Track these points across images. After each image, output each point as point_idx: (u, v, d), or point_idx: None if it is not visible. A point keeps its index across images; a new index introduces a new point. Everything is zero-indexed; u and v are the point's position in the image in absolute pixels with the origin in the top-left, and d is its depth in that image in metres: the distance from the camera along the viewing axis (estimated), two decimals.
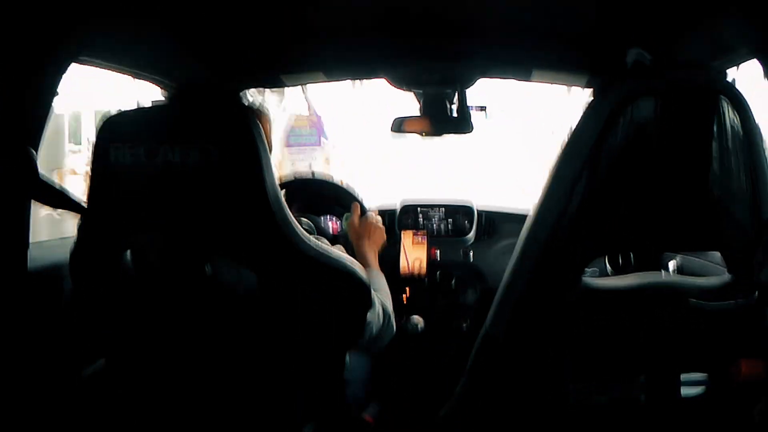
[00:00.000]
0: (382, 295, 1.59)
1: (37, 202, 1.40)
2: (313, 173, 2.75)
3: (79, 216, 1.26)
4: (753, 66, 1.44)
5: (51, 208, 1.40)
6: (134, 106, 1.14)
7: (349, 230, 2.08)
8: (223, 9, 1.63)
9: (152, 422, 1.34)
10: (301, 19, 1.76)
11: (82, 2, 1.31)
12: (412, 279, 2.65)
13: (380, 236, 2.11)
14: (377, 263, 1.94)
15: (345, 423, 1.50)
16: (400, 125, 2.31)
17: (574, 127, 1.08)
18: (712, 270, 1.93)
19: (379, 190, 2.80)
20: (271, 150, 1.37)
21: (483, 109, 2.36)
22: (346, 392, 1.56)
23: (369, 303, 1.32)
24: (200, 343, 1.21)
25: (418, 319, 2.49)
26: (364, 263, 1.90)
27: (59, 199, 1.37)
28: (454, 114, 2.30)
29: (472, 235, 2.84)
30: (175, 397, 1.28)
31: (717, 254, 1.34)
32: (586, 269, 1.15)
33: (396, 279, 2.74)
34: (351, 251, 1.79)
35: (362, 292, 1.28)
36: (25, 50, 1.30)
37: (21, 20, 1.25)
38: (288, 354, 1.21)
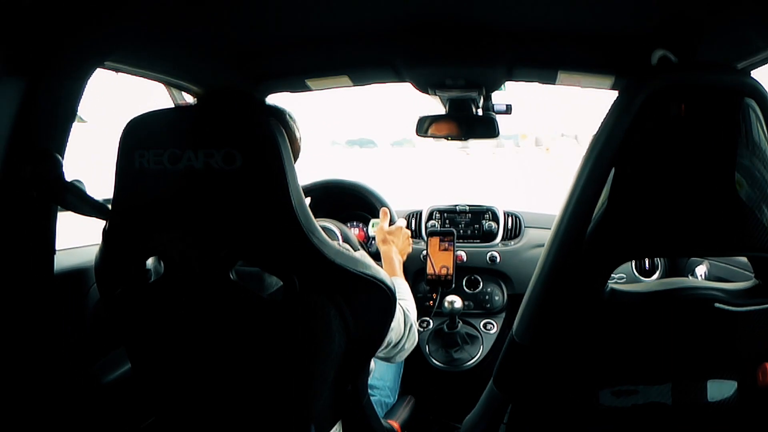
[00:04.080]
0: (406, 304, 1.60)
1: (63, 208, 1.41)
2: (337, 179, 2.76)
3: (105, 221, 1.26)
4: None
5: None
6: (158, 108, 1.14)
7: (377, 234, 2.09)
8: (248, 14, 1.63)
9: (173, 424, 1.35)
10: (326, 23, 1.76)
11: (107, 7, 1.32)
12: (438, 284, 2.64)
13: (407, 245, 2.14)
14: (402, 271, 1.95)
15: (371, 429, 1.49)
16: (426, 129, 2.31)
17: (600, 128, 1.06)
18: (740, 275, 1.91)
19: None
20: (297, 156, 1.37)
21: (507, 110, 2.35)
22: (373, 398, 1.55)
23: (393, 311, 1.31)
24: (224, 349, 1.20)
25: (454, 298, 2.47)
26: (390, 270, 1.91)
27: (85, 204, 1.38)
28: (480, 118, 2.30)
29: (498, 239, 2.83)
30: (198, 400, 1.28)
31: (744, 259, 1.32)
32: (613, 275, 1.13)
33: (423, 284, 2.74)
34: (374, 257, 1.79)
35: (388, 300, 1.28)
36: (51, 55, 1.31)
37: (46, 25, 1.26)
38: (311, 361, 1.21)
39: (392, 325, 1.38)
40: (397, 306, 1.45)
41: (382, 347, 1.43)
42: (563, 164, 27.64)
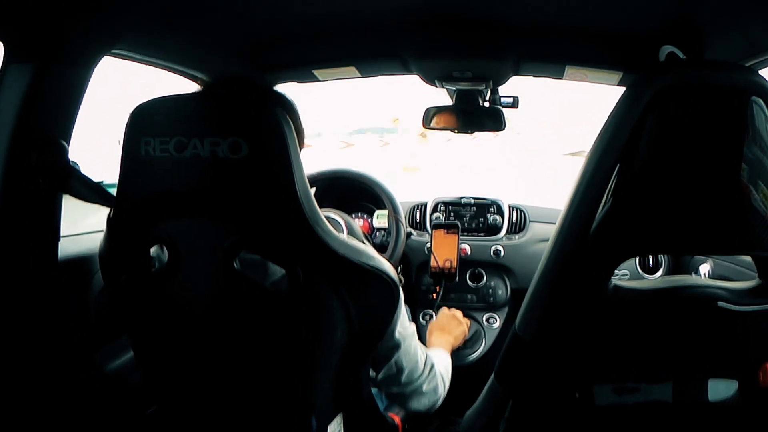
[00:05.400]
0: (433, 356, 1.60)
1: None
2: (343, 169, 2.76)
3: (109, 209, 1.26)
4: None
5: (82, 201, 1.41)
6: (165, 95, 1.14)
7: (435, 322, 2.17)
8: (257, 2, 1.63)
9: (175, 413, 1.35)
10: (334, 13, 1.76)
11: None
12: (442, 277, 2.64)
13: (462, 333, 2.22)
14: (449, 349, 2.00)
15: (372, 422, 1.50)
16: (432, 120, 2.31)
17: (606, 124, 1.06)
18: (744, 275, 1.91)
19: None
20: (302, 146, 1.37)
21: (514, 103, 2.35)
22: (374, 391, 1.55)
23: (397, 304, 1.31)
24: (227, 338, 1.21)
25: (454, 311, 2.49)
26: (439, 340, 2.01)
27: (90, 191, 1.38)
28: (487, 111, 2.30)
29: (503, 233, 2.83)
30: (200, 389, 1.28)
31: (749, 259, 1.32)
32: (616, 271, 1.13)
33: (426, 277, 2.74)
34: (378, 248, 1.78)
35: (391, 292, 1.27)
36: (58, 43, 1.31)
37: (54, 12, 1.26)
38: (313, 352, 1.21)
39: (403, 348, 1.39)
40: (419, 346, 1.46)
41: (391, 372, 1.42)
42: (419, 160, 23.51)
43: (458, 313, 2.25)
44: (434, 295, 2.71)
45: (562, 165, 17.23)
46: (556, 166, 17.48)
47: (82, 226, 1.71)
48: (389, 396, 1.54)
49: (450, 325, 2.15)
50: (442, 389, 1.57)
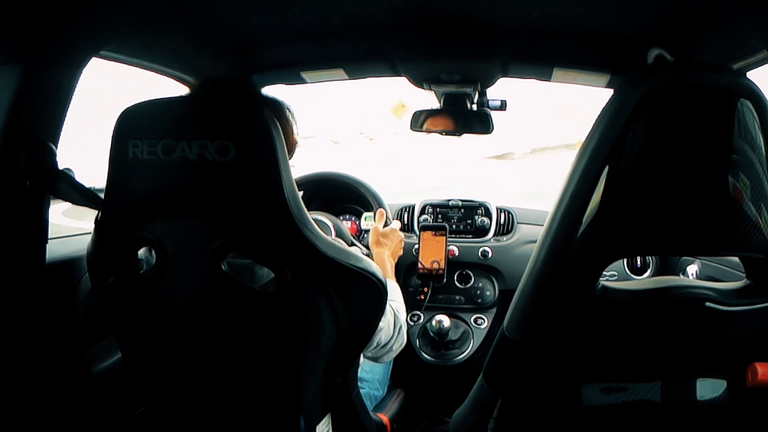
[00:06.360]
0: (396, 305, 1.61)
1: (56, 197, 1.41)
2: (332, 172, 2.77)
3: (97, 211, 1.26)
4: None
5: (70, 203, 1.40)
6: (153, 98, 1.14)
7: (371, 236, 2.10)
8: (245, 3, 1.63)
9: (164, 414, 1.35)
10: (323, 15, 1.76)
11: None
12: (430, 278, 2.65)
13: (400, 248, 2.17)
14: (393, 273, 1.96)
15: (360, 422, 1.50)
16: (421, 123, 2.31)
17: (594, 126, 1.06)
18: (731, 275, 1.92)
19: None
20: (294, 149, 1.37)
21: (502, 106, 2.35)
22: (362, 391, 1.56)
23: (384, 305, 1.32)
24: (215, 340, 1.21)
25: (441, 317, 2.48)
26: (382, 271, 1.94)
27: (77, 193, 1.37)
28: (475, 114, 2.30)
29: (491, 234, 2.84)
30: (188, 390, 1.28)
31: (736, 259, 1.32)
32: (605, 272, 1.13)
33: (414, 278, 2.74)
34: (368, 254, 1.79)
35: (379, 294, 1.28)
36: (46, 44, 1.31)
37: (42, 14, 1.26)
38: (301, 353, 1.21)
39: (381, 325, 1.40)
40: (388, 307, 1.46)
41: (371, 346, 1.45)
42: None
43: (395, 224, 2.25)
44: (422, 296, 2.72)
45: (480, 168, 17.10)
46: (474, 168, 17.25)
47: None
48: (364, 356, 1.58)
49: (396, 245, 2.17)
50: (405, 336, 1.62)
